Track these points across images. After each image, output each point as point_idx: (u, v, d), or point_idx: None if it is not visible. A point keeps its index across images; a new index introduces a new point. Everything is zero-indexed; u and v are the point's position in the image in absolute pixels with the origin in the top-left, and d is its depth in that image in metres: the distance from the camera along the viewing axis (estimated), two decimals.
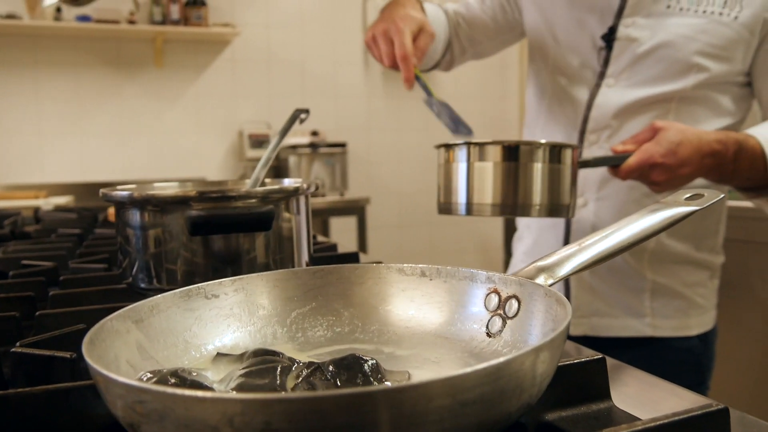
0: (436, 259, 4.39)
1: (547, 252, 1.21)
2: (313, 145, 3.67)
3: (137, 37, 3.68)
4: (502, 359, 0.30)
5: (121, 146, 3.72)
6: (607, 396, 0.46)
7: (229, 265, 0.72)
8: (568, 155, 0.91)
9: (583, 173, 1.12)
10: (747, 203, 2.09)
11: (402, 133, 4.30)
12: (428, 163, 4.34)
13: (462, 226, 4.45)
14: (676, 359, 1.12)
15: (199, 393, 0.27)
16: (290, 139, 3.81)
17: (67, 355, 0.50)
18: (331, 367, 0.42)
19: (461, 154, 0.91)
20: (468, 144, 0.91)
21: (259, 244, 0.73)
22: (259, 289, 0.52)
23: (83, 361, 0.57)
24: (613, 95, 1.09)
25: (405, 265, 0.53)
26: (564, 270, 0.48)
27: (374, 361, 0.42)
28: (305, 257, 0.80)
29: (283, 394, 0.26)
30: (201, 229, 0.66)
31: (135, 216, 0.72)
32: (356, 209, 3.57)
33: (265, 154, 0.92)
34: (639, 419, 0.43)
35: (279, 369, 0.41)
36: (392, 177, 4.29)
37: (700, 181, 1.07)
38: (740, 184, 1.04)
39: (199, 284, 0.49)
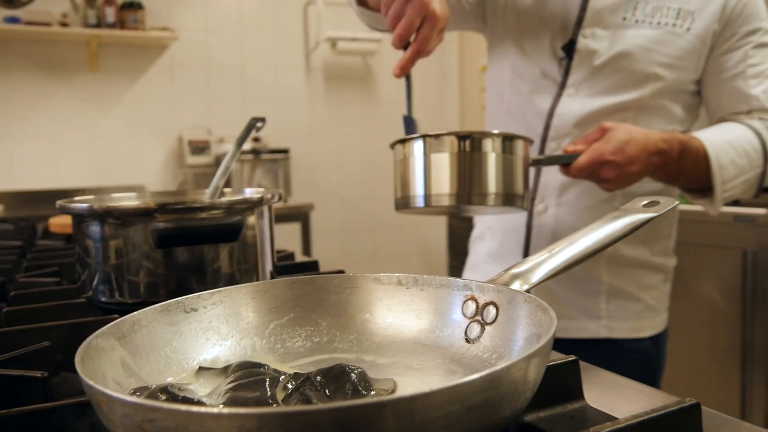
0: (380, 264, 4.41)
1: (510, 255, 1.22)
2: (255, 152, 3.64)
3: (70, 41, 3.57)
4: (503, 365, 0.31)
5: (54, 153, 3.60)
6: (580, 396, 0.48)
7: (194, 276, 0.72)
8: (519, 146, 0.93)
9: (544, 180, 1.15)
10: (681, 206, 2.18)
11: (344, 139, 4.31)
12: (371, 168, 4.36)
13: (405, 231, 4.48)
14: (629, 360, 1.16)
15: (215, 410, 0.27)
16: (231, 145, 3.76)
17: (38, 374, 0.49)
18: (318, 378, 0.42)
19: (417, 147, 0.92)
20: (424, 136, 0.92)
21: (224, 255, 0.73)
22: (237, 301, 0.52)
23: (53, 380, 0.56)
24: (574, 104, 1.12)
25: (381, 274, 0.54)
26: (537, 276, 0.50)
27: (361, 370, 0.43)
28: (269, 267, 0.80)
29: (301, 407, 0.27)
30: (168, 242, 0.66)
31: (95, 228, 0.71)
32: (300, 215, 3.55)
33: (223, 163, 0.92)
34: (614, 417, 0.45)
35: (268, 381, 0.42)
36: (335, 183, 4.29)
37: (651, 186, 1.12)
38: (686, 184, 1.08)
39: (178, 298, 0.49)
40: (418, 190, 0.92)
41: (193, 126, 3.83)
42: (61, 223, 1.40)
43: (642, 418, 0.38)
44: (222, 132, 3.87)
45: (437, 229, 4.45)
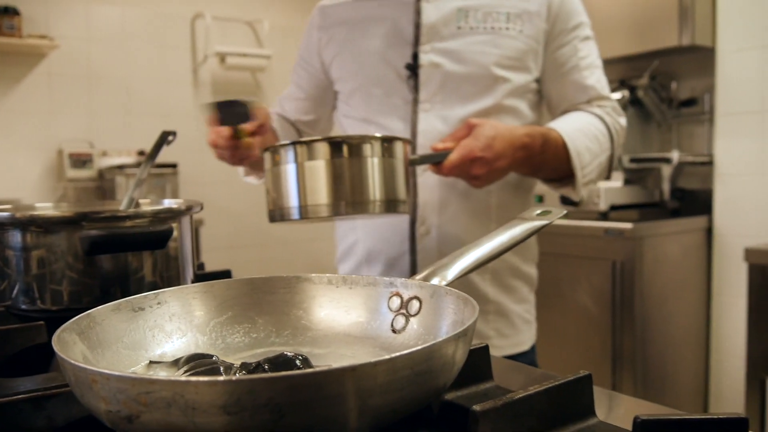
0: None
1: None
2: (140, 165, 3.54)
3: None
4: (440, 339, 0.38)
5: None
6: (490, 378, 0.56)
7: (118, 284, 0.73)
8: (399, 149, 0.90)
9: (422, 201, 1.15)
10: (557, 221, 2.37)
11: None
12: (260, 183, 4.35)
13: (295, 246, 4.50)
14: None
15: (209, 378, 0.32)
16: (115, 159, 3.65)
17: None
18: (267, 366, 0.47)
19: (289, 154, 0.87)
20: (295, 143, 0.87)
21: (148, 264, 0.75)
22: (179, 301, 0.56)
23: None
24: (434, 119, 1.14)
25: (313, 274, 0.59)
26: (452, 274, 0.57)
27: (304, 357, 0.48)
28: (190, 275, 0.82)
29: (286, 373, 0.32)
30: (98, 249, 0.67)
31: (17, 237, 0.71)
32: None
33: (137, 175, 0.93)
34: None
35: (222, 369, 0.46)
36: (224, 198, 4.25)
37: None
38: (547, 175, 1.15)
39: (128, 297, 0.52)
40: (292, 201, 0.88)
41: (73, 138, 3.68)
42: None
43: (547, 386, 0.45)
44: (105, 145, 3.74)
45: (328, 243, 4.49)
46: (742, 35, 2.53)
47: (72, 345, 0.44)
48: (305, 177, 0.86)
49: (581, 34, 1.18)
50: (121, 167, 3.50)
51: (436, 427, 0.49)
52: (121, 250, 0.70)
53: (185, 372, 0.46)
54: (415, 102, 1.15)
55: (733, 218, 2.58)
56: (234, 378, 0.32)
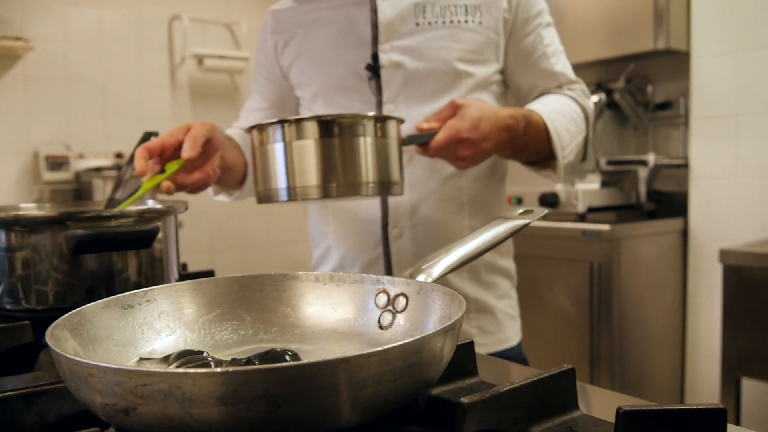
0: None
1: None
2: (118, 168, 3.52)
3: None
4: (429, 333, 0.39)
5: None
6: (475, 373, 0.57)
7: (103, 284, 0.73)
8: (393, 128, 0.87)
9: (393, 203, 1.13)
10: (536, 222, 2.39)
11: None
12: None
13: (275, 249, 4.49)
14: None
15: (207, 369, 0.32)
16: (92, 162, 3.62)
17: None
18: (257, 361, 0.48)
19: (277, 133, 0.84)
20: (283, 122, 0.84)
21: (133, 264, 0.75)
22: (168, 299, 0.56)
23: None
24: None
25: (300, 272, 0.60)
26: (437, 270, 0.58)
27: (293, 352, 0.49)
28: (174, 275, 0.82)
29: (282, 364, 0.33)
30: (85, 248, 0.67)
31: (0, 237, 0.71)
32: None
33: (119, 176, 0.93)
34: None
35: (213, 364, 0.47)
36: (203, 201, 4.22)
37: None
38: (528, 158, 1.13)
39: (117, 295, 0.52)
40: (280, 182, 0.84)
41: (50, 141, 3.63)
42: None
43: (532, 379, 0.46)
44: (82, 147, 3.70)
45: (308, 245, 4.48)
46: (716, 40, 2.58)
47: (64, 341, 0.44)
48: (294, 157, 0.83)
49: (543, 21, 1.18)
50: (98, 170, 3.47)
51: (422, 422, 0.50)
52: (106, 249, 0.70)
53: (177, 366, 0.47)
54: (379, 103, 1.13)
55: (708, 220, 2.63)
56: (231, 369, 0.32)
